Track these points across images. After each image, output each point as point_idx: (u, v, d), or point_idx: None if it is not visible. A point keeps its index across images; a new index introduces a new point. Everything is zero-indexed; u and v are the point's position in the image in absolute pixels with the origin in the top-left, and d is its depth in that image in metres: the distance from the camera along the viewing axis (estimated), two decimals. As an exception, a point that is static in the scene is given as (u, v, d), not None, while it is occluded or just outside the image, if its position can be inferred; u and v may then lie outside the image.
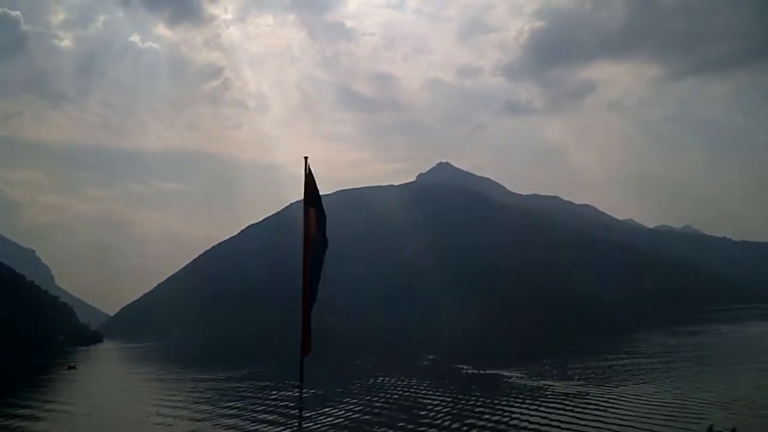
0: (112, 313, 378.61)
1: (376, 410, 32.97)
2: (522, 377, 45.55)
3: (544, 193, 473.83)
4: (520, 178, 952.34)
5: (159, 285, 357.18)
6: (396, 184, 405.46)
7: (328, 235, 7.23)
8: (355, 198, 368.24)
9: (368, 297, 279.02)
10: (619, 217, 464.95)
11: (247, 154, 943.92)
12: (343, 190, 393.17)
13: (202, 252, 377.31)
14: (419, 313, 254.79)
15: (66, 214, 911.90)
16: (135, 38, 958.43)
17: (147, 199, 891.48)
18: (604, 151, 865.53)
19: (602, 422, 26.01)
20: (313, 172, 6.88)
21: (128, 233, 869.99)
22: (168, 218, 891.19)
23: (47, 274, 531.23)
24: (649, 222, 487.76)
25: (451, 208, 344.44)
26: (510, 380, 44.24)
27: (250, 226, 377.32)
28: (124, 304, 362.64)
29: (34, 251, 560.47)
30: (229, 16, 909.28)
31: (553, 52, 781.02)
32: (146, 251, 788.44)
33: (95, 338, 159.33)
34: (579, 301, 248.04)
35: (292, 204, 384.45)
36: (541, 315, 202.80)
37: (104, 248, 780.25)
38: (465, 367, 55.83)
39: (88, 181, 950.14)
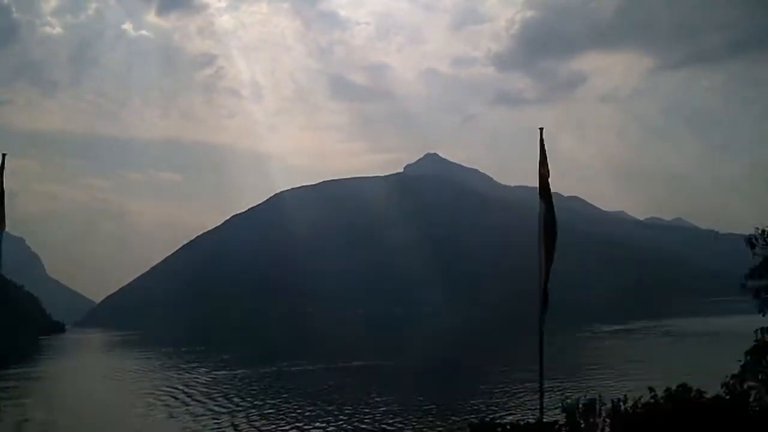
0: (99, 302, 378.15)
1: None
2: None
3: (533, 185, 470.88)
4: (509, 169, 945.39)
5: (142, 275, 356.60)
6: (382, 175, 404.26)
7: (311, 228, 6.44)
8: (340, 189, 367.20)
9: (350, 287, 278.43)
10: (610, 209, 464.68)
11: (241, 144, 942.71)
12: (329, 181, 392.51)
13: (185, 242, 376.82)
14: (401, 305, 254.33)
15: (58, 203, 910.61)
16: (127, 26, 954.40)
17: (140, 187, 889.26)
18: (596, 142, 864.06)
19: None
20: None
21: (121, 222, 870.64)
22: (162, 207, 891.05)
23: (38, 264, 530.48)
24: (640, 214, 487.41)
25: (437, 199, 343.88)
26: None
27: (234, 215, 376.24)
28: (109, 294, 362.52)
29: (23, 240, 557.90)
30: (222, 4, 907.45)
31: (544, 42, 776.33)
32: (139, 240, 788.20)
33: (57, 328, 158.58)
34: (563, 295, 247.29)
35: (278, 193, 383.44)
36: (521, 309, 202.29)
37: (96, 237, 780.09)
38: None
39: (81, 169, 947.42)
